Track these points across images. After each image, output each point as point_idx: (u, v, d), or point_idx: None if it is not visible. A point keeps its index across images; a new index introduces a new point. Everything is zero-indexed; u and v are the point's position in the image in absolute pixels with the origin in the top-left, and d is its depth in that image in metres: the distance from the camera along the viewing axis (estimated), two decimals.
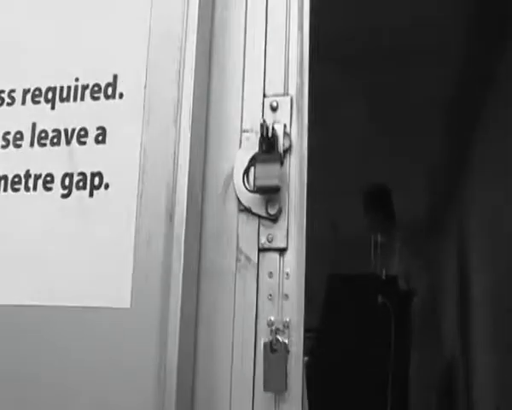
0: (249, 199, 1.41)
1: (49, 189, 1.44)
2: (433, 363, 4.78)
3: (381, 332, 3.39)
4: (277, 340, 1.31)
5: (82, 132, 1.46)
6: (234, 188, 1.43)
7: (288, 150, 1.43)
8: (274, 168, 1.37)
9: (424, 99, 4.39)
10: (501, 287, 3.51)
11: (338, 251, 6.08)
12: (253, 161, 1.40)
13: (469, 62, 3.95)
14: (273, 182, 1.36)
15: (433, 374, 5.05)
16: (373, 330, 3.39)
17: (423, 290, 3.97)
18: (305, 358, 3.80)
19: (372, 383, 3.27)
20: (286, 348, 1.30)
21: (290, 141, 1.43)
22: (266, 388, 1.29)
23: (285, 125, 1.44)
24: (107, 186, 1.42)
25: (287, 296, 1.35)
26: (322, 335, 3.51)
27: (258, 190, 1.38)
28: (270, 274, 1.37)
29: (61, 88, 1.49)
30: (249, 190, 1.39)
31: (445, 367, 5.41)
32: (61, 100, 1.49)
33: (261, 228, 1.40)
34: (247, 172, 1.41)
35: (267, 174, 1.36)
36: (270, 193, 1.38)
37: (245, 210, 1.41)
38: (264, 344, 1.31)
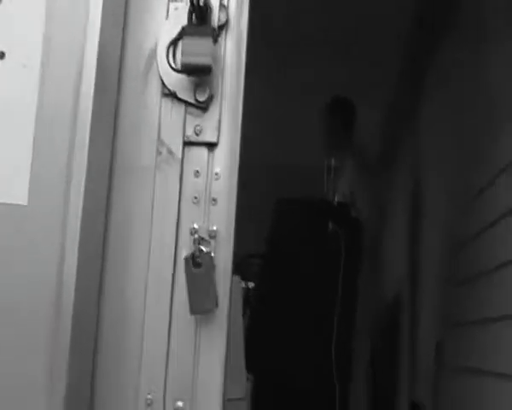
0: (175, 81, 1.15)
1: None
2: (377, 297, 4.70)
3: (330, 260, 3.21)
4: (201, 251, 1.08)
5: None
6: (157, 67, 1.17)
7: (223, 26, 1.18)
8: (205, 43, 1.12)
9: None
10: (451, 224, 3.38)
11: (289, 176, 5.88)
12: (181, 35, 1.14)
13: None
14: (203, 60, 1.11)
15: (378, 308, 4.98)
16: (322, 258, 3.21)
17: (371, 221, 3.82)
18: (251, 284, 3.60)
19: (319, 310, 3.11)
20: (211, 262, 1.08)
21: (227, 15, 1.18)
22: (193, 310, 1.07)
23: None
24: (2, 55, 1.15)
25: (215, 201, 1.12)
26: (268, 260, 3.32)
27: (186, 69, 1.13)
28: (197, 173, 1.14)
29: None
30: (175, 70, 1.14)
31: (390, 302, 5.36)
32: None
33: (188, 117, 1.15)
34: (173, 46, 1.15)
35: (197, 50, 1.11)
36: (200, 74, 1.13)
37: (169, 95, 1.16)
38: (186, 259, 1.08)
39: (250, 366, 1.74)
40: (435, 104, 4.47)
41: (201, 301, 1.08)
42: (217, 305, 1.08)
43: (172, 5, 1.19)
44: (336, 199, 3.74)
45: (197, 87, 1.15)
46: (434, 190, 4.28)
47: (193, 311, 1.09)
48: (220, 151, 1.13)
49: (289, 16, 4.09)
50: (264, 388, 3.08)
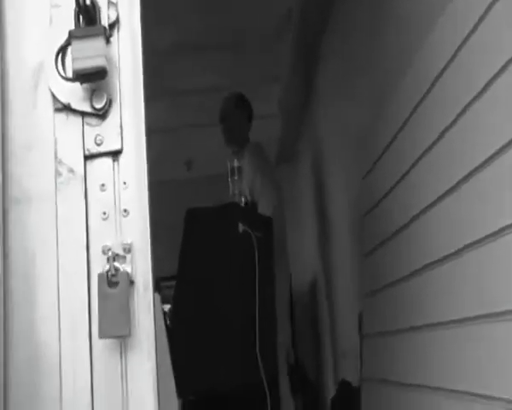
0: (68, 92, 1.06)
1: None
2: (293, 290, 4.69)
3: (245, 261, 3.15)
4: (116, 269, 0.99)
5: None
6: (46, 80, 1.07)
7: (114, 24, 1.09)
8: (97, 45, 1.02)
9: None
10: (354, 204, 3.43)
11: (195, 188, 5.81)
12: (69, 40, 1.04)
13: None
14: (97, 62, 1.02)
15: (296, 301, 4.98)
16: (236, 260, 3.15)
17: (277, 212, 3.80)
18: (167, 307, 3.46)
19: (239, 315, 3.04)
20: (128, 279, 0.99)
21: (117, 12, 1.09)
22: (102, 333, 0.97)
23: None
24: None
25: (126, 212, 1.03)
26: (183, 276, 3.22)
27: (79, 76, 1.03)
28: (102, 187, 1.04)
29: None
30: (66, 79, 1.04)
31: (308, 284, 5.40)
32: None
33: (86, 128, 1.06)
34: (62, 54, 1.05)
35: (88, 53, 1.02)
36: (95, 79, 1.04)
37: (63, 108, 1.06)
38: (99, 276, 0.99)
39: (178, 391, 1.65)
40: (327, 91, 4.53)
41: (113, 325, 0.98)
42: (130, 331, 0.98)
43: (55, 9, 1.09)
44: (243, 200, 3.69)
45: (93, 94, 1.05)
46: (335, 176, 4.34)
47: (101, 334, 0.98)
48: (126, 158, 1.05)
49: (176, 18, 4.03)
50: (198, 405, 3.00)
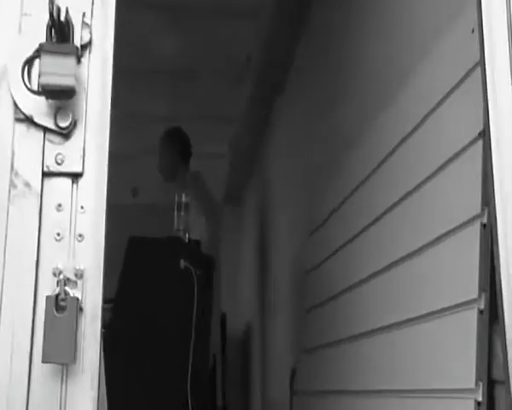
0: (31, 104, 1.03)
1: None
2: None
3: (184, 297, 3.11)
4: (66, 294, 0.95)
5: None
6: (9, 88, 1.04)
7: (87, 46, 1.07)
8: (67, 63, 1.00)
9: None
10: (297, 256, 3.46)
11: (140, 216, 5.74)
12: (39, 52, 1.02)
13: None
14: (66, 81, 1.00)
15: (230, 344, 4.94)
16: (175, 295, 3.11)
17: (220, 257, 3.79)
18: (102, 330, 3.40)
19: (175, 348, 2.99)
20: (78, 306, 0.95)
21: (90, 34, 1.07)
22: (46, 357, 0.93)
23: (84, 14, 1.08)
24: None
25: (81, 237, 1.00)
26: (120, 303, 3.16)
27: (45, 90, 1.01)
28: (59, 207, 1.01)
29: None
30: (31, 91, 1.02)
31: (242, 337, 5.36)
32: None
33: (47, 145, 1.03)
34: (29, 65, 1.03)
35: (58, 70, 0.99)
36: (62, 97, 1.02)
37: (25, 119, 1.03)
38: (47, 299, 0.95)
39: None
40: (278, 143, 4.58)
41: (57, 350, 0.95)
42: (74, 359, 0.95)
43: (25, 18, 1.07)
44: (187, 236, 3.66)
45: (58, 112, 1.03)
46: (279, 227, 4.36)
47: (45, 358, 0.94)
48: (86, 182, 1.02)
49: (134, 41, 4.02)
50: None
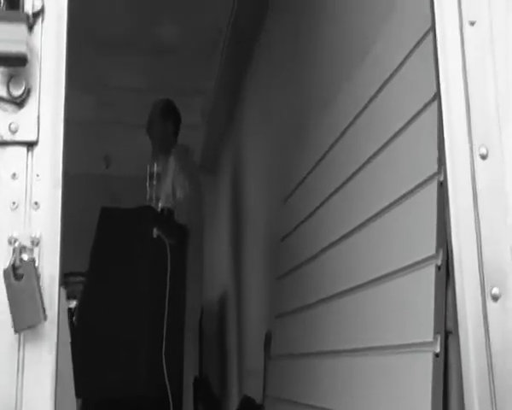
0: None
1: None
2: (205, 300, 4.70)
3: (157, 266, 3.13)
4: (22, 261, 0.97)
5: None
6: None
7: (39, 14, 1.07)
8: (19, 30, 1.01)
9: None
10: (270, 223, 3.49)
11: (114, 186, 5.74)
12: None
13: None
14: (17, 48, 1.00)
15: (206, 310, 4.98)
16: (148, 265, 3.12)
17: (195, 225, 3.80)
18: (73, 303, 3.40)
19: (148, 318, 3.01)
20: (35, 271, 0.97)
21: (42, 2, 1.07)
22: (18, 326, 0.95)
23: None
24: None
25: (37, 204, 1.01)
26: (93, 273, 3.17)
27: None
28: (14, 176, 1.02)
29: None
30: None
31: (218, 297, 5.41)
32: None
33: (0, 113, 1.03)
34: None
35: (9, 37, 1.00)
36: (13, 65, 1.02)
37: None
38: (4, 272, 0.96)
39: (78, 390, 1.61)
40: (251, 111, 4.59)
41: (26, 316, 0.97)
42: (45, 317, 0.97)
43: None
44: (160, 205, 3.67)
45: (11, 80, 1.03)
46: (254, 195, 4.38)
47: (17, 328, 0.97)
48: (41, 150, 1.03)
49: (114, 13, 4.00)
50: (100, 408, 2.94)
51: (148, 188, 3.66)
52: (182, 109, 4.06)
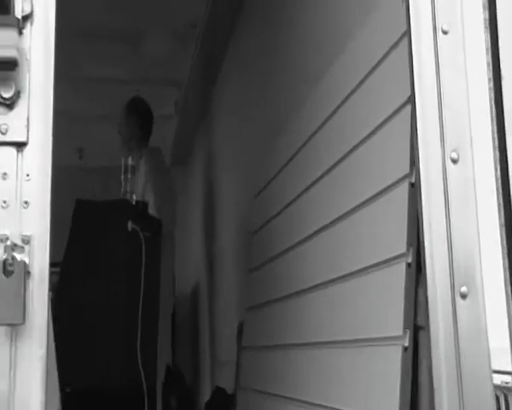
0: None
1: None
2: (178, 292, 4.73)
3: (132, 259, 3.15)
4: (14, 258, 1.00)
5: None
6: None
7: (28, 17, 1.10)
8: (9, 35, 1.04)
9: None
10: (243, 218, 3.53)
11: (86, 178, 5.73)
12: None
13: None
14: (8, 52, 1.03)
15: (179, 303, 5.01)
16: (123, 257, 3.15)
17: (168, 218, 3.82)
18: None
19: (123, 310, 3.04)
20: (25, 269, 1.00)
21: (31, 5, 1.10)
22: None
23: None
24: None
25: (27, 204, 1.04)
26: (68, 266, 3.18)
27: None
28: (5, 176, 1.05)
29: None
30: None
31: (191, 289, 5.45)
32: None
33: None
34: None
35: None
36: (4, 69, 1.05)
37: None
38: None
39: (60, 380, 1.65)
40: (224, 104, 4.62)
41: (7, 313, 1.00)
42: (24, 320, 1.00)
43: None
44: (134, 198, 3.69)
45: (1, 83, 1.06)
46: (226, 188, 4.42)
47: None
48: (30, 151, 1.06)
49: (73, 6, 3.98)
50: (75, 398, 2.96)
51: (122, 181, 3.68)
52: (155, 100, 4.06)
